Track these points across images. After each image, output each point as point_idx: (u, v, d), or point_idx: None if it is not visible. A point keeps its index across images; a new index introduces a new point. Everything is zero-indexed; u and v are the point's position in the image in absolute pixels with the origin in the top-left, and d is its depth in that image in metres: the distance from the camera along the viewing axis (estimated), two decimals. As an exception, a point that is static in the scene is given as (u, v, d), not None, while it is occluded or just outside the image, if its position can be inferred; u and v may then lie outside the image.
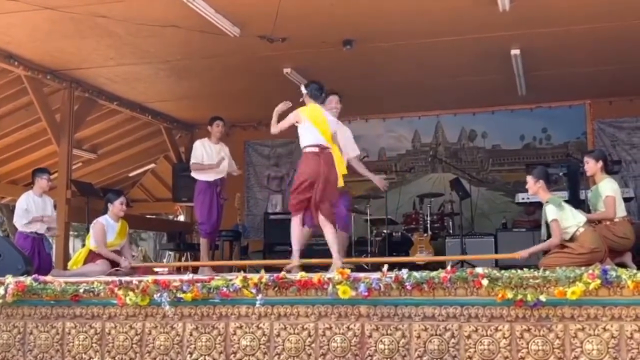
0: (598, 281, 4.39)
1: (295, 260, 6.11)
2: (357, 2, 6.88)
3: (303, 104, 6.31)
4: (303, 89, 6.34)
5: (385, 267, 4.86)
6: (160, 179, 13.62)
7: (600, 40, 7.87)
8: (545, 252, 6.15)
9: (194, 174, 8.14)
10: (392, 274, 4.74)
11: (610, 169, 6.82)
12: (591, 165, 6.48)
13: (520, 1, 6.73)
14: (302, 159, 6.22)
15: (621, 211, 6.31)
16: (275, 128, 6.24)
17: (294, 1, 6.66)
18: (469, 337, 4.59)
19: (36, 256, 7.55)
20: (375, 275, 4.82)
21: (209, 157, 8.05)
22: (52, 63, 8.62)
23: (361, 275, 4.89)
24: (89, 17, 7.04)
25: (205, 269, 7.48)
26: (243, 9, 6.98)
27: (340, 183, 6.12)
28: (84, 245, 7.60)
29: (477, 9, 6.98)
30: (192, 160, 8.12)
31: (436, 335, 4.64)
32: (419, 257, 8.68)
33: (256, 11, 6.99)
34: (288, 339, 4.89)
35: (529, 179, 6.14)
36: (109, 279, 5.59)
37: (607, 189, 6.30)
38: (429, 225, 9.56)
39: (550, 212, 5.83)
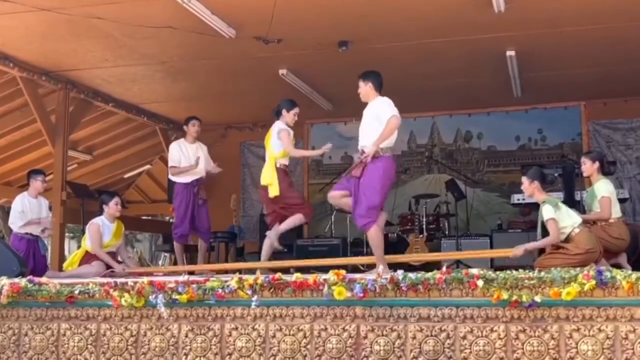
0: (593, 282, 4.40)
1: None
2: (352, 3, 6.88)
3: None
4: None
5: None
6: (156, 181, 13.60)
7: (595, 41, 7.88)
8: (541, 252, 6.16)
9: (171, 177, 8.13)
10: (388, 275, 4.75)
11: (606, 170, 6.84)
12: (588, 166, 6.49)
13: (515, 2, 6.75)
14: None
15: (616, 212, 6.32)
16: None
17: (289, 3, 6.66)
18: (464, 338, 4.60)
19: (31, 258, 7.53)
20: (371, 276, 4.82)
21: (186, 158, 8.00)
22: (48, 64, 8.61)
23: (357, 276, 4.90)
24: (85, 18, 7.02)
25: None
26: (239, 10, 6.98)
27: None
28: (80, 247, 7.60)
29: (473, 10, 6.99)
30: (170, 164, 8.09)
31: (431, 336, 4.64)
32: (411, 257, 8.64)
33: (252, 13, 6.99)
34: (283, 340, 4.89)
35: (524, 180, 6.13)
36: (104, 280, 5.58)
37: (603, 189, 6.31)
38: (424, 227, 9.54)
39: (546, 212, 5.83)
